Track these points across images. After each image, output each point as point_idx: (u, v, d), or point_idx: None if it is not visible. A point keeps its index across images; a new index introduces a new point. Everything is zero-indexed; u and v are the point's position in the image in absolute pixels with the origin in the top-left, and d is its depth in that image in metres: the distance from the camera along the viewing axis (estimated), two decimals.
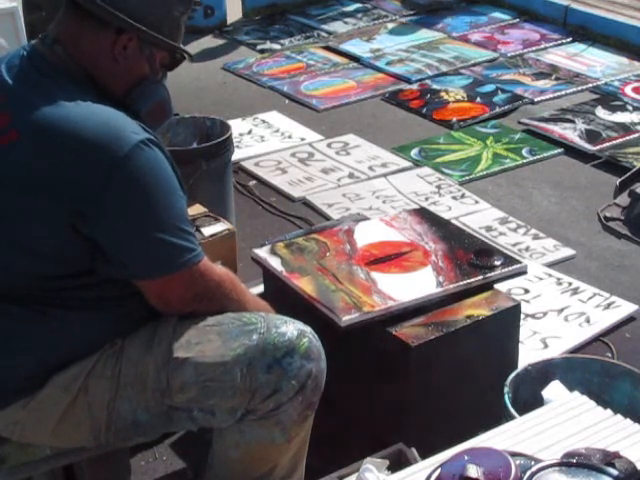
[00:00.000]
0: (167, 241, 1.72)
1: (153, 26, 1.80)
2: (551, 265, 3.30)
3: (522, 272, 2.42)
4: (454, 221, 3.42)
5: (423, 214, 2.70)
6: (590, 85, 4.94)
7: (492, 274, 2.34)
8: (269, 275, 2.45)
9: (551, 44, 5.55)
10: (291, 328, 1.83)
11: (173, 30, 1.86)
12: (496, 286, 2.38)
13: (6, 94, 1.75)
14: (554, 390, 2.12)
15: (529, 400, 2.14)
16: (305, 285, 2.28)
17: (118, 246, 1.72)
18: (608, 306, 3.03)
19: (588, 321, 2.94)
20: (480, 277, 2.32)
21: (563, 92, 4.86)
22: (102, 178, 1.66)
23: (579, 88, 4.91)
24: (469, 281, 2.30)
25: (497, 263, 2.37)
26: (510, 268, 2.37)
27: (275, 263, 2.40)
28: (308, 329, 1.86)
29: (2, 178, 1.71)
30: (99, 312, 1.79)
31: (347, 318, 2.15)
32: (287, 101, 4.94)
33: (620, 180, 3.78)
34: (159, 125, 1.95)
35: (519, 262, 2.42)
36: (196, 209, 2.87)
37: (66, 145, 1.67)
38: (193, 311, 1.82)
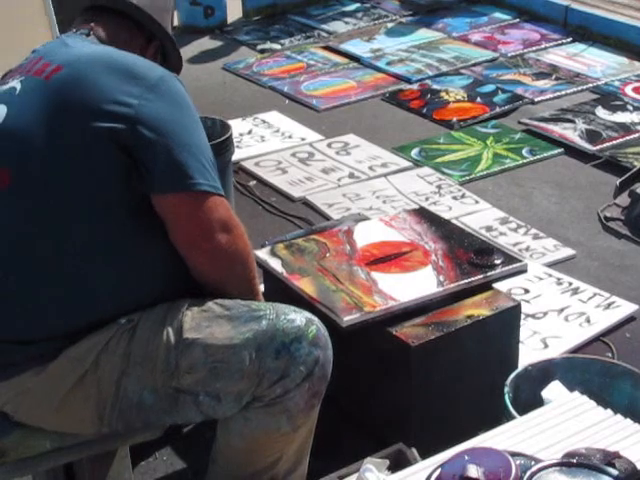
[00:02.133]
0: (197, 160, 1.79)
1: (167, 29, 2.06)
2: (551, 265, 3.30)
3: (522, 271, 2.42)
4: (454, 221, 3.42)
5: (422, 214, 2.70)
6: (590, 85, 4.94)
7: (492, 273, 2.34)
8: (269, 276, 2.45)
9: (551, 44, 5.55)
10: (299, 316, 1.85)
11: (170, 27, 2.09)
12: (496, 286, 2.38)
13: (41, 55, 1.91)
14: (554, 390, 2.12)
15: (529, 400, 2.15)
16: (306, 286, 2.28)
17: (152, 157, 1.77)
18: (608, 306, 3.03)
19: (588, 321, 2.94)
20: (481, 276, 2.32)
21: (563, 92, 4.86)
22: (139, 92, 1.78)
23: (579, 88, 4.91)
24: (470, 280, 2.31)
25: (497, 262, 2.37)
26: (510, 267, 2.38)
27: (275, 264, 2.41)
28: (315, 318, 1.89)
29: (50, 105, 1.79)
30: (123, 271, 1.81)
31: (348, 318, 2.15)
32: (287, 101, 4.94)
33: (620, 180, 3.78)
34: None
35: (519, 260, 2.43)
36: None
37: (105, 68, 1.81)
38: (211, 246, 1.83)
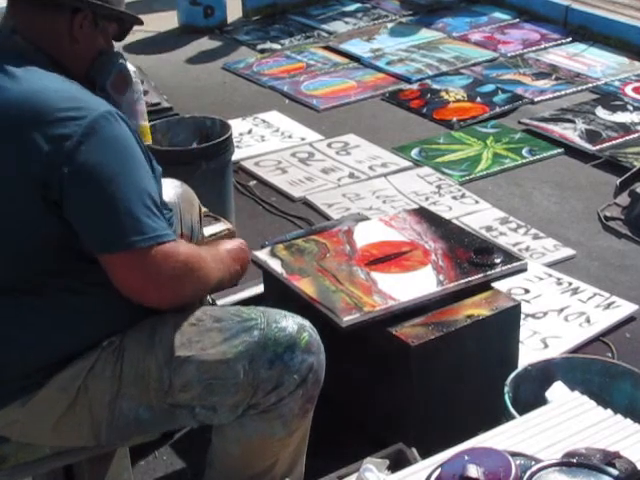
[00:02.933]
0: (129, 215, 1.68)
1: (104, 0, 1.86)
2: (551, 265, 3.30)
3: (522, 269, 2.42)
4: (454, 221, 3.42)
5: (422, 214, 2.70)
6: (590, 85, 4.94)
7: (492, 272, 2.34)
8: (269, 277, 2.45)
9: (551, 44, 5.55)
10: (291, 322, 1.84)
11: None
12: (496, 286, 2.38)
13: None
14: (557, 391, 2.12)
15: (529, 400, 2.14)
16: (305, 286, 2.28)
17: (81, 216, 1.70)
18: (608, 306, 3.03)
19: (588, 321, 2.94)
20: (481, 275, 2.32)
21: (563, 92, 4.86)
22: (67, 147, 1.66)
23: (579, 88, 4.91)
24: (470, 279, 2.31)
25: (497, 261, 2.37)
26: (510, 265, 2.37)
27: (275, 265, 2.40)
28: (307, 323, 1.87)
29: None
30: (90, 304, 1.77)
31: (348, 318, 2.15)
32: (287, 101, 4.94)
33: (620, 180, 3.78)
34: (123, 94, 1.98)
35: (519, 259, 2.43)
36: None
37: (31, 116, 1.68)
38: (158, 297, 1.76)
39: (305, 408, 1.86)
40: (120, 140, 1.72)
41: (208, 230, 2.78)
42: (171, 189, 2.17)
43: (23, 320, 1.76)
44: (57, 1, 1.81)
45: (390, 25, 6.04)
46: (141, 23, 2.01)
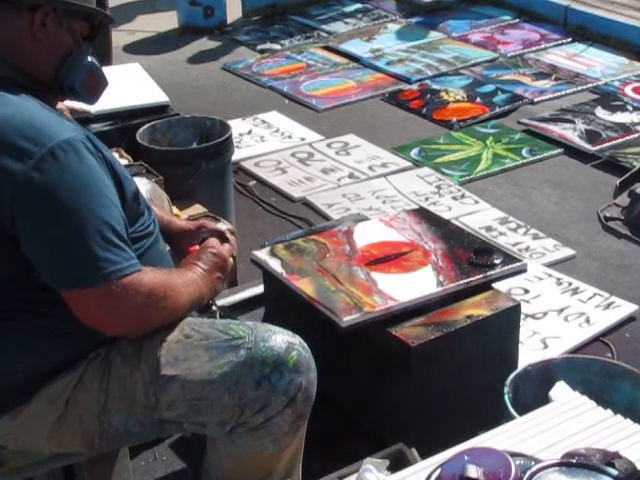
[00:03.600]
0: (84, 250, 1.62)
1: None
2: (551, 265, 3.30)
3: (522, 270, 2.42)
4: (454, 221, 3.42)
5: (422, 214, 2.70)
6: (590, 85, 4.94)
7: (492, 272, 2.34)
8: (269, 277, 2.45)
9: (551, 44, 5.55)
10: (279, 341, 1.79)
11: None
12: (496, 286, 2.38)
13: None
14: (560, 391, 2.11)
15: (529, 400, 2.15)
16: (305, 286, 2.28)
17: (35, 252, 1.64)
18: (608, 306, 3.03)
19: (588, 321, 2.94)
20: (480, 276, 2.32)
21: (563, 92, 4.86)
22: (18, 181, 1.59)
23: (579, 88, 4.91)
24: (469, 280, 2.31)
25: (497, 262, 2.37)
26: (510, 266, 2.38)
27: (275, 265, 2.40)
28: (297, 340, 1.82)
29: None
30: (72, 321, 1.71)
31: (348, 319, 2.15)
32: (287, 101, 4.94)
33: (620, 180, 3.78)
34: (98, 96, 1.88)
35: (519, 260, 2.43)
36: (196, 209, 2.87)
37: None
38: (121, 329, 1.73)
39: (296, 425, 1.82)
40: (74, 172, 1.63)
41: None
42: (141, 186, 2.09)
43: (8, 337, 1.72)
44: (13, 0, 1.70)
45: (390, 25, 6.04)
46: (111, 21, 1.92)
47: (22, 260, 1.66)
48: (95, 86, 1.84)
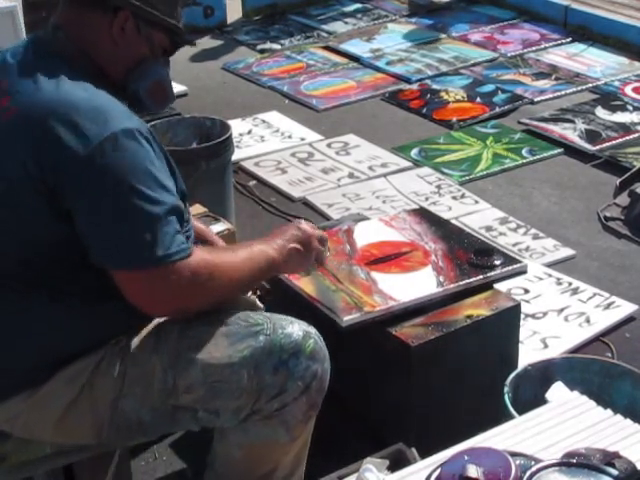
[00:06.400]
0: (137, 233, 1.66)
1: (148, 2, 1.82)
2: (551, 265, 3.30)
3: (522, 271, 2.42)
4: (454, 221, 3.42)
5: (422, 214, 2.70)
6: (590, 85, 4.94)
7: (492, 273, 2.34)
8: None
9: (551, 44, 5.55)
10: (297, 329, 1.83)
11: (169, 9, 1.86)
12: (496, 286, 2.38)
13: (7, 79, 1.78)
14: (557, 391, 2.12)
15: (529, 400, 2.14)
16: (305, 285, 2.28)
17: (90, 229, 1.69)
18: (608, 306, 3.03)
19: (588, 321, 2.94)
20: (480, 277, 2.32)
21: (563, 92, 4.86)
22: (83, 157, 1.65)
23: (579, 88, 4.91)
24: (469, 281, 2.30)
25: (497, 262, 2.37)
26: (510, 267, 2.37)
27: None
28: (313, 330, 1.87)
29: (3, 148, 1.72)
30: (102, 304, 1.78)
31: (348, 318, 2.15)
32: (287, 101, 4.94)
33: (620, 180, 3.78)
34: (161, 107, 1.97)
35: (519, 261, 2.43)
36: (196, 209, 2.87)
37: (54, 121, 1.66)
38: (174, 310, 1.78)
39: (308, 414, 1.86)
40: (134, 157, 1.68)
41: None
42: None
43: (37, 313, 1.76)
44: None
45: (390, 25, 6.04)
46: (189, 42, 1.99)
47: (68, 237, 1.70)
48: (160, 97, 1.90)
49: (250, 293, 2.22)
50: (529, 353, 2.68)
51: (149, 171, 1.69)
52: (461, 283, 2.29)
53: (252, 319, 1.83)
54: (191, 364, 1.77)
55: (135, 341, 1.81)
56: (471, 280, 2.31)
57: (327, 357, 1.87)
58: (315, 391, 1.84)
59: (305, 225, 2.00)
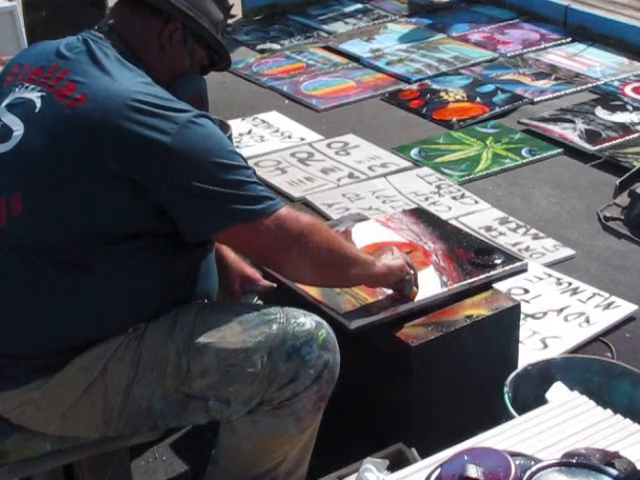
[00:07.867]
0: (246, 188, 1.77)
1: (197, 17, 1.94)
2: (551, 265, 3.30)
3: (523, 270, 2.42)
4: (454, 221, 3.42)
5: (419, 214, 2.70)
6: (590, 85, 4.94)
7: (494, 272, 2.34)
8: (272, 278, 2.44)
9: (551, 44, 5.55)
10: (309, 319, 1.87)
11: (215, 28, 2.01)
12: (496, 286, 2.38)
13: (67, 69, 1.81)
14: (557, 391, 2.12)
15: (529, 400, 2.15)
16: (310, 288, 2.28)
17: (193, 199, 1.75)
18: (608, 306, 3.03)
19: (588, 321, 2.94)
20: (483, 276, 2.32)
21: (563, 92, 4.86)
22: (162, 144, 1.71)
23: (579, 88, 4.91)
24: (472, 280, 2.31)
25: (498, 261, 2.38)
26: (512, 266, 2.38)
27: None
28: (324, 322, 1.90)
29: (69, 138, 1.74)
30: (130, 287, 1.79)
31: (356, 321, 2.14)
32: (287, 101, 4.94)
33: (620, 180, 3.78)
34: None
35: (520, 260, 2.43)
36: None
37: (127, 111, 1.72)
38: (284, 260, 1.86)
39: (318, 406, 1.88)
40: (214, 135, 1.79)
41: None
42: None
43: (63, 296, 1.77)
44: (154, 6, 1.88)
45: (390, 25, 6.04)
46: (229, 65, 2.15)
47: (119, 216, 1.74)
48: (198, 107, 1.93)
49: (256, 299, 2.25)
50: (529, 353, 2.68)
51: (228, 143, 1.82)
52: (465, 282, 2.29)
53: (265, 309, 1.88)
54: (205, 348, 1.80)
55: (151, 328, 1.83)
56: (474, 279, 2.31)
57: (338, 348, 1.90)
58: (326, 381, 1.86)
59: (409, 260, 2.15)
